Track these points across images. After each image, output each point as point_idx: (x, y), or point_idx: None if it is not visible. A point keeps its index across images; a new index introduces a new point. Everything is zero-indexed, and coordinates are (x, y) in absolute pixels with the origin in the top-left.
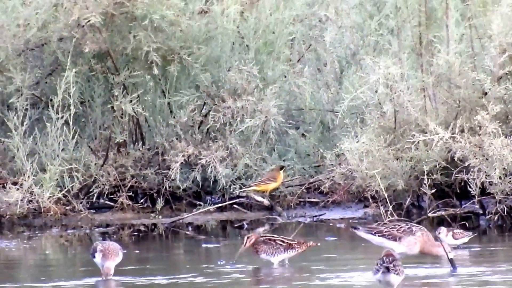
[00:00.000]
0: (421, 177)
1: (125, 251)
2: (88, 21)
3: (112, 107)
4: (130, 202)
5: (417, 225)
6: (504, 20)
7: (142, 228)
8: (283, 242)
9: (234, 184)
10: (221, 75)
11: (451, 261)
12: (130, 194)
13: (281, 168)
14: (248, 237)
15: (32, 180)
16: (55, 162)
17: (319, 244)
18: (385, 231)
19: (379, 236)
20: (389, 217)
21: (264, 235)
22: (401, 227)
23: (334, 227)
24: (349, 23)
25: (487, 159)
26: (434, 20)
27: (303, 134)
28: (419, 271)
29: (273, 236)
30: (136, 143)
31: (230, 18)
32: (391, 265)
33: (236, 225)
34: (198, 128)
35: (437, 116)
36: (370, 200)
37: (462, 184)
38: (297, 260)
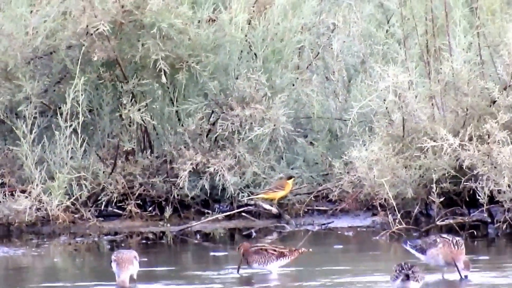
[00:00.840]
0: (430, 185)
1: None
2: (97, 29)
3: (121, 115)
4: (139, 210)
5: (445, 236)
6: None
7: (150, 236)
8: (275, 250)
9: (243, 192)
10: (229, 83)
11: (458, 270)
12: (139, 202)
13: (290, 177)
14: (238, 248)
15: (41, 188)
16: (63, 170)
17: (311, 250)
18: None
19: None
20: (397, 226)
21: (255, 245)
22: (428, 239)
23: (342, 235)
24: (357, 31)
25: (495, 167)
26: (441, 28)
27: (311, 143)
28: (429, 277)
29: (264, 246)
30: (145, 151)
31: (238, 26)
32: (410, 272)
33: (244, 233)
34: (206, 136)
35: (445, 124)
36: (379, 208)
37: (471, 192)
38: (306, 268)
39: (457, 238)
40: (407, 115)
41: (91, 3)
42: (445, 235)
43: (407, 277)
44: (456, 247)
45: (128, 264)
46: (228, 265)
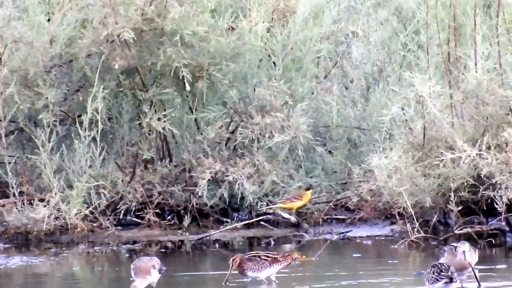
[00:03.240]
0: (448, 194)
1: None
2: (119, 35)
3: (140, 124)
4: (157, 219)
5: (454, 244)
6: None
7: (169, 245)
8: (268, 257)
9: (261, 201)
10: (249, 91)
11: (476, 277)
12: (157, 211)
13: (308, 188)
14: (233, 259)
15: (59, 196)
16: (82, 179)
17: (303, 256)
18: None
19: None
20: (415, 234)
21: (248, 253)
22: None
23: (361, 244)
24: (376, 40)
25: None
26: (462, 37)
27: (330, 151)
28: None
29: (257, 253)
30: (163, 160)
31: (258, 35)
32: (450, 273)
33: (263, 242)
34: (225, 144)
35: (465, 133)
36: (397, 217)
37: (489, 201)
38: (325, 277)
39: (462, 246)
40: (428, 124)
41: (114, 10)
42: (454, 243)
43: (451, 280)
44: (456, 253)
45: (145, 274)
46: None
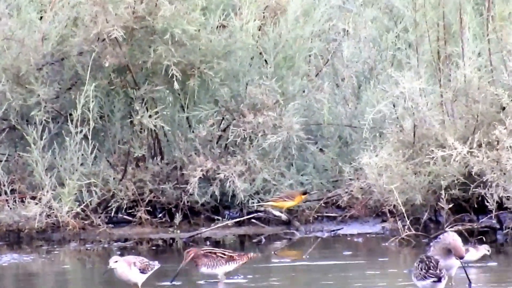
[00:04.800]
0: (439, 192)
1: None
2: (110, 35)
3: (131, 122)
4: (149, 217)
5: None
6: None
7: (160, 242)
8: (224, 254)
9: (252, 199)
10: (240, 89)
11: (467, 275)
12: (149, 208)
13: (304, 193)
14: (187, 252)
15: (51, 194)
16: (73, 177)
17: (259, 254)
18: None
19: None
20: (406, 232)
21: (205, 248)
22: None
23: (351, 242)
24: (366, 37)
25: (504, 173)
26: (452, 35)
27: (321, 149)
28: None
29: (213, 249)
30: (155, 158)
31: (249, 33)
32: (438, 271)
33: (254, 240)
34: (217, 142)
35: (455, 131)
36: (388, 215)
37: (480, 199)
38: (316, 274)
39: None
40: (418, 122)
41: (104, 9)
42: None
43: (439, 279)
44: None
45: (128, 264)
46: (239, 272)
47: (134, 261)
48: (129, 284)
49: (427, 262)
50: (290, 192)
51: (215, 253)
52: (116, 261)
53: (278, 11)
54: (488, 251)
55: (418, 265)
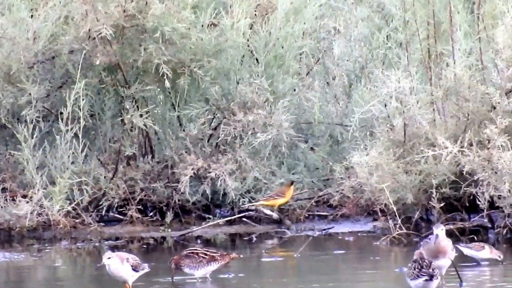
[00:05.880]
0: (430, 190)
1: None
2: (99, 33)
3: (122, 120)
4: (140, 215)
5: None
6: (508, 33)
7: (151, 241)
8: (206, 254)
9: (243, 198)
10: (231, 88)
11: (458, 274)
12: (140, 207)
13: (291, 183)
14: (170, 261)
15: (42, 193)
16: (64, 175)
17: (241, 256)
18: None
19: None
20: (397, 231)
21: (187, 249)
22: None
23: (343, 241)
24: (357, 36)
25: (496, 172)
26: (442, 33)
27: (312, 148)
28: None
29: (196, 249)
30: (146, 156)
31: (240, 31)
32: (431, 270)
33: (245, 239)
34: (208, 141)
35: (446, 130)
36: (379, 214)
37: (471, 197)
38: (307, 273)
39: (436, 229)
40: (408, 120)
41: (93, 7)
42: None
43: (431, 278)
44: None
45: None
46: (230, 271)
47: (127, 257)
48: (119, 283)
49: (420, 262)
50: (279, 189)
51: (197, 253)
52: (110, 257)
53: (269, 10)
54: (500, 257)
55: (412, 265)
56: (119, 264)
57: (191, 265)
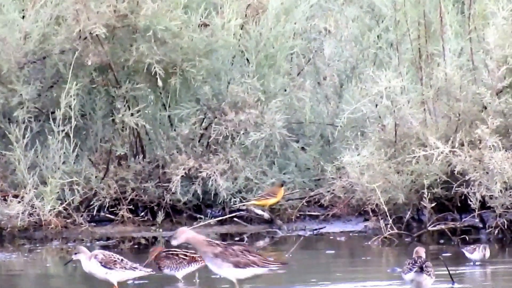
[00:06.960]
0: (422, 190)
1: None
2: (91, 33)
3: (113, 120)
4: (131, 215)
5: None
6: (499, 33)
7: (142, 241)
8: (186, 255)
9: (235, 197)
10: (222, 88)
11: (449, 275)
12: (131, 207)
13: (282, 184)
14: (151, 251)
15: (33, 193)
16: (56, 175)
17: None
18: None
19: None
20: (389, 231)
21: (167, 249)
22: None
23: (334, 241)
24: (348, 36)
25: (487, 172)
26: (433, 34)
27: (303, 148)
28: None
29: (176, 250)
30: (137, 156)
31: (231, 31)
32: (424, 265)
33: (236, 238)
34: (199, 141)
35: (437, 130)
36: (370, 214)
37: (462, 197)
38: (298, 273)
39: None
40: (399, 120)
41: (86, 7)
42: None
43: (421, 270)
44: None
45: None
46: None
47: (96, 253)
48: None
49: (415, 259)
50: (271, 189)
51: (177, 254)
52: (76, 253)
53: (260, 10)
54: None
55: (407, 261)
56: (85, 260)
57: (171, 266)
